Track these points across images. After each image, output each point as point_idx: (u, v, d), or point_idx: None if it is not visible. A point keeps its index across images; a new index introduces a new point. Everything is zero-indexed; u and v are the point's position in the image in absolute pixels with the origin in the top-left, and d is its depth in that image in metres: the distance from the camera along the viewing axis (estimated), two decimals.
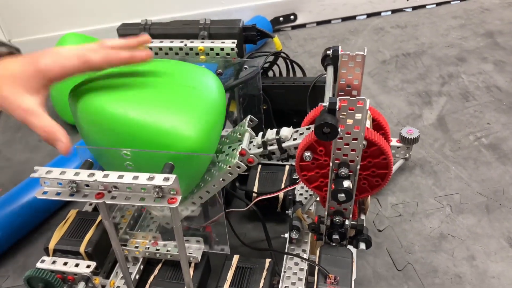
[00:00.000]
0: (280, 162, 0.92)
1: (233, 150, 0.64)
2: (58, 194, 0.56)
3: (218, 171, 0.63)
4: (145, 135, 0.57)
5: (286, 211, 0.79)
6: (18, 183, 0.93)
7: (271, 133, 0.60)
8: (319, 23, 1.60)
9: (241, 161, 0.60)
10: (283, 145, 0.59)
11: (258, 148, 0.61)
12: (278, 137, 0.59)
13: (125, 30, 0.85)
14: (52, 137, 0.57)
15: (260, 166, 0.90)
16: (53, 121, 0.57)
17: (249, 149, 0.61)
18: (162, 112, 0.58)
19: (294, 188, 0.85)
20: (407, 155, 0.98)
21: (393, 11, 1.63)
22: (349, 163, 0.55)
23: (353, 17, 1.61)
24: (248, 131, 0.64)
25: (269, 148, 0.60)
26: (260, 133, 0.62)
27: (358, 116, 0.50)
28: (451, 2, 1.65)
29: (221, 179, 0.63)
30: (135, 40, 0.63)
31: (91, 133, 0.62)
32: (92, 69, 0.59)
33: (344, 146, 0.54)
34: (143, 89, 0.61)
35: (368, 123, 0.60)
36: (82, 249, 0.71)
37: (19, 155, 1.13)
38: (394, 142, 0.97)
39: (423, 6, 1.64)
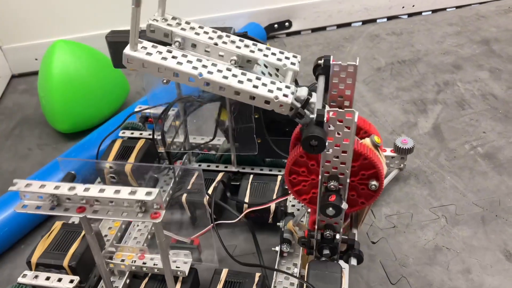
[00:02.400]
0: (272, 172, 0.91)
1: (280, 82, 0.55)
2: (38, 208, 0.54)
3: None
4: None
5: (278, 223, 0.77)
6: (5, 193, 0.91)
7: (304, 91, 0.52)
8: (314, 30, 1.59)
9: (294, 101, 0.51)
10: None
11: (297, 101, 0.52)
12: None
13: (114, 37, 0.84)
14: None
15: (251, 176, 0.89)
16: None
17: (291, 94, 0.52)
18: None
19: (286, 199, 0.84)
20: (402, 165, 0.96)
21: (389, 18, 1.62)
22: (339, 176, 0.53)
23: (348, 24, 1.60)
24: (292, 70, 0.58)
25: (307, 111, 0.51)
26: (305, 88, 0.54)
27: (347, 128, 0.49)
28: (447, 9, 1.65)
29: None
30: None
31: None
32: None
33: (334, 159, 0.52)
34: None
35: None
36: (65, 263, 0.68)
37: (8, 164, 1.11)
38: (388, 152, 0.95)
39: (419, 13, 1.63)
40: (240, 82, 0.53)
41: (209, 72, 0.53)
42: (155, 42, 0.57)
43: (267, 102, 0.52)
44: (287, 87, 0.53)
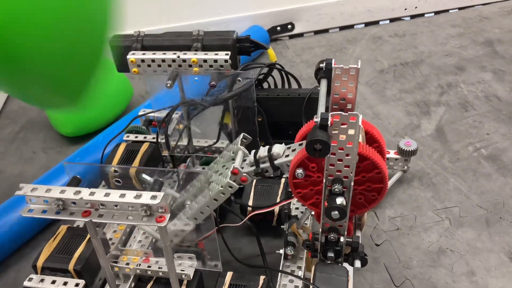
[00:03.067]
0: None
1: (226, 169, 0.63)
2: (44, 212, 0.55)
3: (211, 191, 0.62)
4: None
5: (282, 226, 0.77)
6: (11, 197, 0.92)
7: (263, 151, 0.59)
8: (316, 32, 1.59)
9: (233, 180, 0.59)
10: (276, 162, 0.57)
11: (251, 166, 0.59)
12: (270, 154, 0.57)
13: (118, 42, 0.84)
14: None
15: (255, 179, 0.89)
16: None
17: (242, 168, 0.60)
18: None
19: (290, 202, 0.84)
20: (405, 167, 0.96)
21: (392, 20, 1.62)
22: (343, 179, 0.53)
23: (351, 26, 1.60)
24: (241, 149, 0.63)
25: (262, 166, 0.58)
26: (253, 151, 0.61)
27: (351, 131, 0.49)
28: (450, 11, 1.64)
29: (214, 199, 0.62)
30: None
31: None
32: None
33: (338, 162, 0.52)
34: None
35: (360, 137, 0.58)
36: (71, 266, 0.69)
37: (13, 168, 1.12)
38: (392, 154, 0.95)
39: (422, 15, 1.63)
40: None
41: None
42: None
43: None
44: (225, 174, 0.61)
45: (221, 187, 0.59)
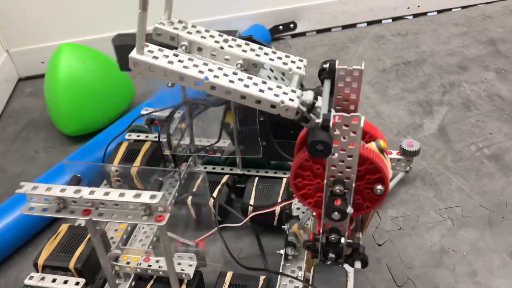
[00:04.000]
0: (277, 175, 0.91)
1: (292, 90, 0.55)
2: (44, 210, 0.55)
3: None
4: None
5: (282, 226, 0.77)
6: (12, 195, 0.92)
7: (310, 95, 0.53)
8: (319, 31, 1.59)
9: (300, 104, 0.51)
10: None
11: (303, 105, 0.52)
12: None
13: (120, 41, 0.84)
14: None
15: (257, 179, 0.89)
16: None
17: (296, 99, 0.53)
18: None
19: (291, 202, 0.83)
20: (408, 167, 0.96)
21: (394, 19, 1.61)
22: (345, 180, 0.53)
23: (353, 25, 1.60)
24: (298, 74, 0.58)
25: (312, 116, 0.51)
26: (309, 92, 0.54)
27: (353, 132, 0.49)
28: (453, 10, 1.64)
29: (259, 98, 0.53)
30: None
31: None
32: None
33: (339, 163, 0.52)
34: None
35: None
36: (71, 265, 0.69)
37: (14, 167, 1.12)
38: (394, 154, 0.95)
39: (424, 14, 1.63)
40: (246, 86, 0.53)
41: (215, 76, 0.53)
42: (162, 45, 0.57)
43: (273, 106, 0.52)
44: (293, 91, 0.53)
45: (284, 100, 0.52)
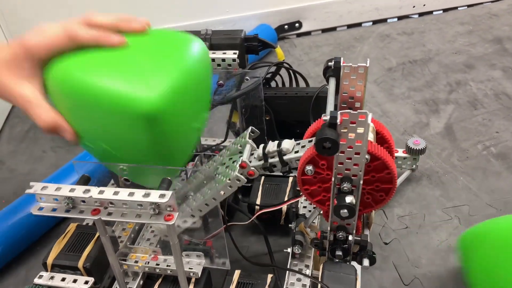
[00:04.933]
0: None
1: (233, 162, 0.63)
2: (54, 210, 0.55)
3: (217, 183, 0.62)
4: (100, 98, 0.51)
5: (289, 225, 0.77)
6: (21, 195, 0.92)
7: (272, 145, 0.58)
8: (324, 30, 1.59)
9: (241, 174, 0.59)
10: (285, 157, 0.57)
11: (259, 160, 0.59)
12: (279, 149, 0.57)
13: None
14: (57, 128, 0.55)
15: (263, 177, 0.89)
16: (54, 111, 0.55)
17: (250, 162, 0.59)
18: (119, 74, 0.52)
19: (298, 201, 0.84)
20: (414, 166, 0.96)
21: (400, 18, 1.61)
22: (352, 177, 0.53)
23: (358, 24, 1.60)
24: (249, 143, 0.63)
25: (270, 160, 0.58)
26: (261, 145, 0.60)
27: (360, 130, 0.49)
28: (459, 8, 1.63)
29: (221, 192, 0.62)
30: (127, 20, 0.57)
31: (55, 100, 0.57)
32: (78, 46, 0.55)
33: (347, 161, 0.52)
34: (109, 53, 0.55)
35: (372, 136, 0.58)
36: (80, 264, 0.69)
37: (23, 166, 1.13)
38: (400, 153, 0.95)
39: (430, 13, 1.62)
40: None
41: None
42: None
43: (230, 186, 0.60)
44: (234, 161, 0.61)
45: (229, 180, 0.59)
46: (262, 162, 0.59)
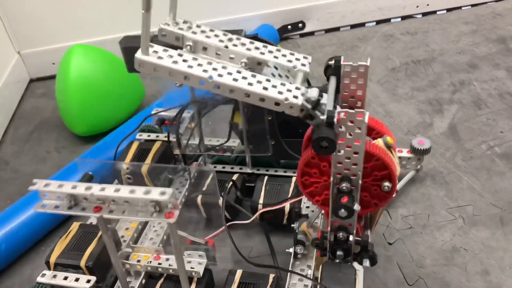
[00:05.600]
0: (286, 174, 0.91)
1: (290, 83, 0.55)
2: (57, 207, 0.56)
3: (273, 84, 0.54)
4: None
5: (292, 225, 0.77)
6: (25, 195, 0.93)
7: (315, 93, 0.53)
8: (327, 30, 1.58)
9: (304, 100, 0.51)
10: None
11: (307, 102, 0.53)
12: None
13: (127, 43, 0.85)
14: None
15: (266, 177, 0.89)
16: None
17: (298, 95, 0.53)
18: None
19: (301, 201, 0.83)
20: (418, 166, 0.95)
21: (403, 18, 1.61)
22: (351, 177, 0.53)
23: (362, 24, 1.59)
24: (302, 72, 0.58)
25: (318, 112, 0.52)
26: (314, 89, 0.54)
27: (358, 129, 0.49)
28: (462, 8, 1.62)
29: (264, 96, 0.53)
30: None
31: None
32: None
33: (345, 160, 0.52)
34: None
35: None
36: (83, 263, 0.70)
37: (27, 167, 1.13)
38: (405, 153, 0.94)
39: (434, 12, 1.62)
40: (250, 84, 0.53)
41: (219, 75, 0.53)
42: (167, 46, 0.58)
43: (277, 104, 0.53)
44: (297, 88, 0.54)
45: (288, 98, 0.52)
46: (310, 106, 0.52)
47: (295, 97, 0.52)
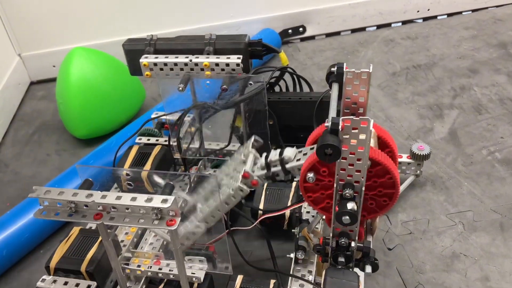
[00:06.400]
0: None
1: (237, 172, 0.63)
2: (57, 214, 0.55)
3: (222, 194, 0.62)
4: None
5: (292, 230, 0.77)
6: (25, 198, 0.93)
7: (274, 154, 0.58)
8: (328, 35, 1.59)
9: (244, 184, 0.59)
10: (287, 166, 0.57)
11: (262, 169, 0.59)
12: (281, 158, 0.57)
13: (131, 46, 0.85)
14: None
15: (266, 182, 0.89)
16: None
17: (253, 171, 0.59)
18: None
19: (301, 206, 0.83)
20: (418, 171, 0.95)
21: (404, 22, 1.61)
22: (354, 184, 0.53)
23: (362, 29, 1.60)
24: (252, 153, 0.63)
25: (273, 169, 0.58)
26: (264, 154, 0.61)
27: (362, 136, 0.49)
28: (463, 13, 1.63)
29: (224, 202, 0.62)
30: None
31: None
32: None
33: (349, 167, 0.52)
34: None
35: (373, 142, 0.58)
36: (83, 268, 0.69)
37: (27, 169, 1.13)
38: (404, 158, 0.94)
39: (435, 17, 1.62)
40: None
41: None
42: None
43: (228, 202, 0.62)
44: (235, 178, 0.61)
45: (232, 190, 0.59)
46: (265, 171, 0.59)
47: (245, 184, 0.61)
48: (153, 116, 1.03)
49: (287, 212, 0.81)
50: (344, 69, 0.57)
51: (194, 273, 0.69)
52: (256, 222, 0.74)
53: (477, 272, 0.79)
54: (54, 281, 0.69)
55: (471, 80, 1.29)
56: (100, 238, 0.74)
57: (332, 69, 0.58)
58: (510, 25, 1.53)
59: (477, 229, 0.87)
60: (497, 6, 1.64)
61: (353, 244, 0.60)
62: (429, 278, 0.79)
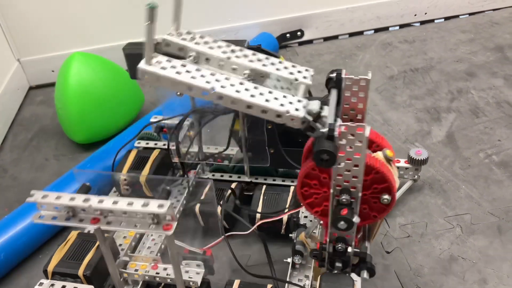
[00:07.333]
0: (284, 183, 0.91)
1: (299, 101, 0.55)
2: (54, 218, 0.56)
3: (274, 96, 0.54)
4: None
5: (290, 234, 0.77)
6: (24, 203, 0.93)
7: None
8: (326, 38, 1.59)
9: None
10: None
11: (309, 114, 0.53)
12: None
13: (131, 50, 0.85)
14: None
15: (264, 187, 0.89)
16: None
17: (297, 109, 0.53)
18: None
19: (299, 211, 0.83)
20: (416, 176, 0.95)
21: (401, 26, 1.62)
22: (351, 189, 0.53)
23: (360, 33, 1.60)
24: (306, 84, 0.58)
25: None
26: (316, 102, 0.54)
27: (359, 142, 0.49)
28: (460, 16, 1.63)
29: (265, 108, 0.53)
30: None
31: None
32: None
33: (345, 173, 0.52)
34: None
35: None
36: (80, 272, 0.70)
37: (26, 174, 1.13)
38: (402, 163, 0.94)
39: (432, 21, 1.63)
40: (252, 96, 0.53)
41: (222, 86, 0.54)
42: (171, 56, 0.58)
43: (278, 116, 0.53)
44: (299, 101, 0.54)
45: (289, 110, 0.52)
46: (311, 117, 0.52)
47: (297, 109, 0.52)
48: (152, 120, 1.03)
49: (285, 217, 0.81)
50: (343, 75, 0.57)
51: (191, 278, 0.69)
52: (253, 227, 0.74)
53: (475, 275, 0.79)
54: (52, 285, 0.69)
55: (468, 84, 1.29)
56: (98, 242, 0.74)
57: (331, 75, 0.58)
58: (506, 29, 1.54)
59: (475, 232, 0.87)
60: (493, 10, 1.64)
61: (349, 249, 0.60)
62: (427, 281, 0.79)
